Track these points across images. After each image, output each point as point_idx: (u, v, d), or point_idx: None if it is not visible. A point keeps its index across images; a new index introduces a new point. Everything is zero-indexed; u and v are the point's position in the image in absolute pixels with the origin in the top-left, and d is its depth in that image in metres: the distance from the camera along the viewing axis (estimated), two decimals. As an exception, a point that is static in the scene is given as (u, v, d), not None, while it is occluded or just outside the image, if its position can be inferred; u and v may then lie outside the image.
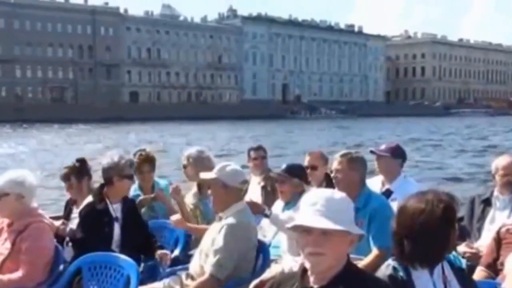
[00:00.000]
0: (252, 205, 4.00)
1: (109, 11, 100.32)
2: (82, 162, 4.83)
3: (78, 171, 4.78)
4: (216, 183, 3.75)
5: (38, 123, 60.10)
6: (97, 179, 4.68)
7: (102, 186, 4.35)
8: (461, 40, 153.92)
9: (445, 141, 36.68)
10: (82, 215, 4.30)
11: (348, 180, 4.09)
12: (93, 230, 4.14)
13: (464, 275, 2.58)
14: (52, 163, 21.40)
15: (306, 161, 5.23)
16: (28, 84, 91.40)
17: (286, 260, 3.87)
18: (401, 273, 2.39)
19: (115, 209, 4.28)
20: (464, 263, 3.83)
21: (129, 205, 4.41)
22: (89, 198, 4.35)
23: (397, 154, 4.99)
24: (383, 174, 4.98)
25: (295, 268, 2.41)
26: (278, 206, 4.44)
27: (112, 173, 4.24)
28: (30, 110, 75.32)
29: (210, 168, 4.46)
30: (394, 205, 3.72)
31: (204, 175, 3.91)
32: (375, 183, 4.86)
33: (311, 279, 2.20)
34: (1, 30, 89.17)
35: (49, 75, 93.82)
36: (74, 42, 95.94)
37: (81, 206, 4.39)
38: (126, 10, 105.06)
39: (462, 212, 4.45)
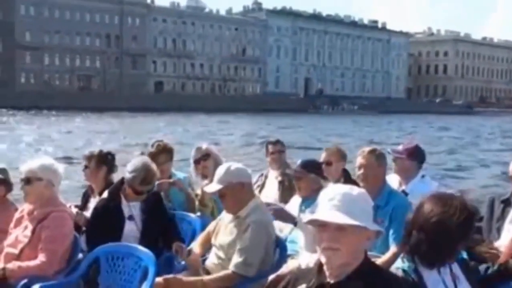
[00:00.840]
0: (282, 213, 3.91)
1: (137, 2, 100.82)
2: (108, 153, 4.85)
3: (99, 158, 4.75)
4: (233, 185, 3.66)
5: (65, 111, 60.37)
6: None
7: (122, 181, 4.25)
8: (484, 38, 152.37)
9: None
10: (93, 210, 4.33)
11: (375, 176, 4.11)
12: (99, 227, 4.14)
13: (466, 265, 2.60)
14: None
15: (322, 157, 5.13)
16: (56, 71, 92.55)
17: (303, 256, 3.78)
18: (412, 276, 2.38)
19: (132, 206, 4.18)
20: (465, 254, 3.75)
21: (153, 200, 4.28)
22: (105, 194, 4.34)
23: (414, 155, 4.93)
24: (399, 175, 4.95)
25: (312, 264, 2.32)
26: (295, 202, 4.38)
27: (129, 182, 4.15)
28: (59, 98, 75.33)
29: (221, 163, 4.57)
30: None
31: (219, 185, 3.70)
32: (391, 181, 4.77)
33: (328, 274, 2.18)
34: (31, 18, 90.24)
35: (76, 63, 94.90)
36: (102, 31, 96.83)
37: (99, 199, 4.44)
38: (153, 1, 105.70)
39: (481, 212, 4.35)
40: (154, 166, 4.26)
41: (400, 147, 5.02)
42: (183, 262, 4.00)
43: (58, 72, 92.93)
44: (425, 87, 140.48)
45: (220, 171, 3.74)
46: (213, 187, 3.74)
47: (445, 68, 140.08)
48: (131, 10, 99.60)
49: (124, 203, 4.19)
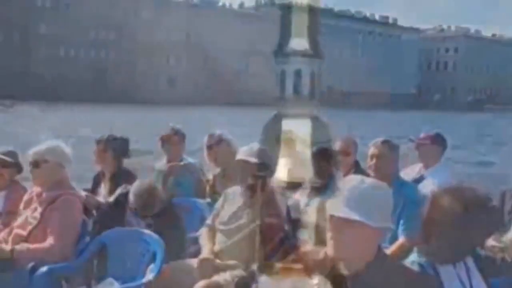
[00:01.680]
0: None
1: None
2: (119, 138, 4.93)
3: (106, 143, 4.84)
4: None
5: (79, 102, 60.75)
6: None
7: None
8: (494, 35, 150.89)
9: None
10: (98, 212, 4.36)
11: (388, 166, 4.11)
12: (100, 230, 4.10)
13: (480, 258, 2.52)
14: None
15: (338, 146, 4.93)
16: (71, 63, 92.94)
17: (311, 245, 3.55)
18: (428, 271, 2.34)
19: (137, 218, 4.09)
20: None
21: (162, 217, 4.05)
22: (112, 197, 4.37)
23: (438, 141, 5.03)
24: (423, 161, 5.00)
25: (322, 255, 2.26)
26: (305, 189, 4.17)
27: (131, 205, 4.08)
28: (73, 89, 76.63)
29: (233, 152, 4.55)
30: (424, 189, 4.08)
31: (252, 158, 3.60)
32: (412, 171, 4.92)
33: (341, 266, 2.16)
34: (47, 10, 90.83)
35: (91, 55, 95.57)
36: (117, 24, 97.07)
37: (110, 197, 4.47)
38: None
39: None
40: (159, 191, 4.17)
41: (422, 135, 5.07)
42: (192, 249, 4.01)
43: (73, 65, 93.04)
44: (435, 83, 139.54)
45: (252, 149, 3.66)
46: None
47: (455, 64, 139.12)
48: (146, 4, 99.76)
49: (129, 212, 4.14)
